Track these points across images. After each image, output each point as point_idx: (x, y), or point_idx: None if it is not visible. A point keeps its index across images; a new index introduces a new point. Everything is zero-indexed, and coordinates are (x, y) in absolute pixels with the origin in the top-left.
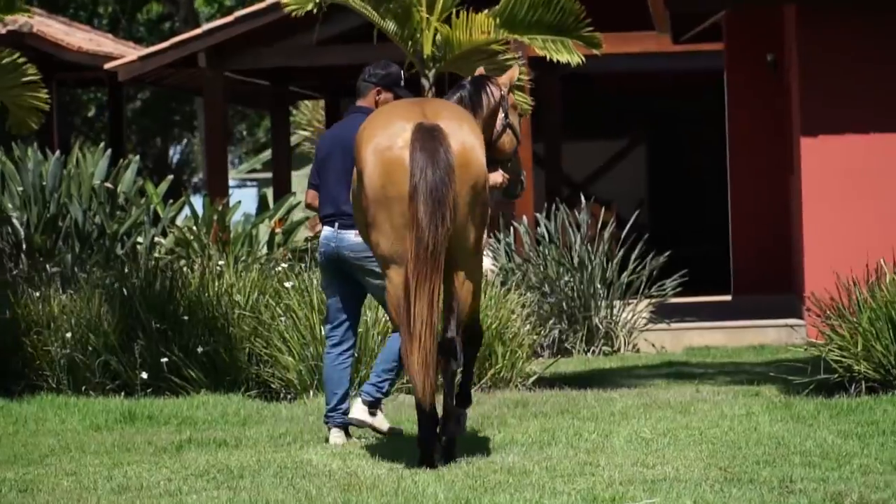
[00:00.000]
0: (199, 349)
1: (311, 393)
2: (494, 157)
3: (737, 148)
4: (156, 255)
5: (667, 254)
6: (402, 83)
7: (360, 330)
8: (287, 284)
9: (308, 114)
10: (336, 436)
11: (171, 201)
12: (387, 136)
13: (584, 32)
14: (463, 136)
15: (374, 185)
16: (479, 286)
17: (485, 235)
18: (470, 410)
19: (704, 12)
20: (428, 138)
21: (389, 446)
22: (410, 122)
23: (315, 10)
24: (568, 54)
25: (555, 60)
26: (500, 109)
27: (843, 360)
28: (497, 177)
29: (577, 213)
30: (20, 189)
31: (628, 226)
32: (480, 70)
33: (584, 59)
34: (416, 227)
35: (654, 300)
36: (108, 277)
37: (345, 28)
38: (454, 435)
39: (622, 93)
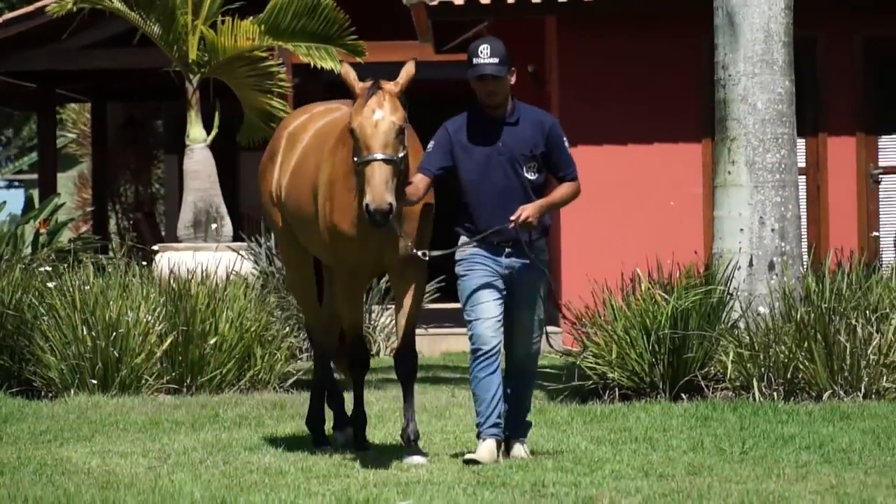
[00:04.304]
0: None
1: (73, 391)
2: None
3: None
4: None
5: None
6: None
7: None
8: (50, 284)
9: (74, 115)
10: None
11: None
12: None
13: (348, 41)
14: None
15: None
16: None
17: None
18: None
19: (466, 22)
20: None
21: (147, 447)
22: None
23: (75, 10)
24: (332, 62)
25: (318, 67)
26: None
27: (598, 367)
28: None
29: None
30: None
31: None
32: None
33: None
34: None
35: None
36: None
37: (113, 32)
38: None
39: None
